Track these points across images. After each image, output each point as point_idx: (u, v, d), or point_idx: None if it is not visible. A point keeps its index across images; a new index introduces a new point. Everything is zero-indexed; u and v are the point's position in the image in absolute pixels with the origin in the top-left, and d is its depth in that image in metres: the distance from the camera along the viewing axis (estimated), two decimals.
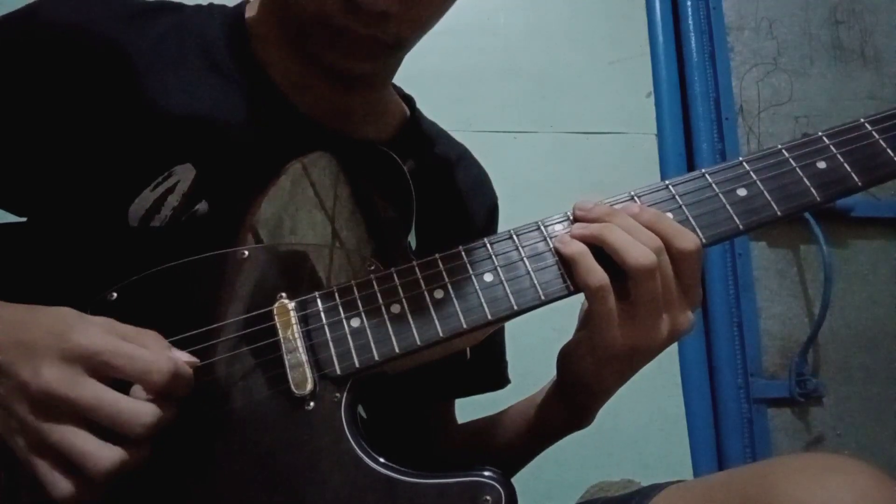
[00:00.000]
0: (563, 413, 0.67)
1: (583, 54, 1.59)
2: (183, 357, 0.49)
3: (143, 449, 0.46)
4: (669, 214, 0.55)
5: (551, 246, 0.55)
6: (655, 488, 0.58)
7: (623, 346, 0.55)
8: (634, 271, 0.51)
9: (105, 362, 0.45)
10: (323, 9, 0.58)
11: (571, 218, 0.57)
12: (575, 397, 0.65)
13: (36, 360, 0.44)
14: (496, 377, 0.83)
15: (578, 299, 0.64)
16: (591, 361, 0.59)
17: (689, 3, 1.64)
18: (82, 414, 0.44)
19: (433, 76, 1.13)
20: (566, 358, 0.63)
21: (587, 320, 0.59)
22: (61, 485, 0.43)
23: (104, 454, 0.43)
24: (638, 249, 0.52)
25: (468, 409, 0.85)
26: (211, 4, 0.72)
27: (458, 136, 0.85)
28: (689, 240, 0.53)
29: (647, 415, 1.41)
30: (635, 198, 0.56)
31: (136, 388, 0.46)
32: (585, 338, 0.59)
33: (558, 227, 0.56)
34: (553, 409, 0.68)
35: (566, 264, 0.54)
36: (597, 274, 0.52)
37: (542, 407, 0.69)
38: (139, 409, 0.45)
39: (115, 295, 0.55)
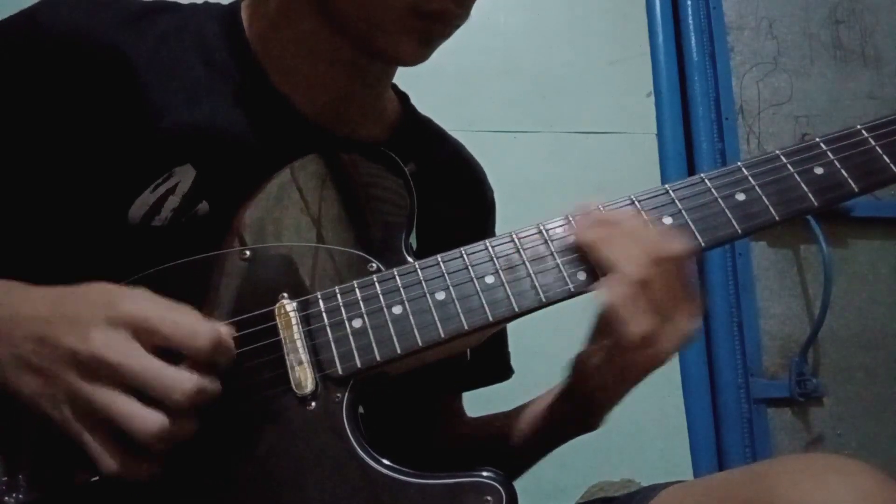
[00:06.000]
0: (575, 417, 0.67)
1: (583, 54, 1.59)
2: (223, 328, 0.49)
3: (187, 419, 0.46)
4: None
5: (552, 249, 0.55)
6: (655, 488, 0.59)
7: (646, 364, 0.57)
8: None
9: (152, 327, 0.46)
10: None
11: (571, 220, 0.57)
12: (587, 404, 0.65)
13: (83, 328, 0.46)
14: (500, 369, 0.84)
15: (580, 300, 0.64)
16: (611, 378, 0.60)
17: (689, 3, 1.64)
18: (128, 380, 0.45)
19: (433, 75, 1.13)
20: (583, 371, 0.62)
21: (607, 341, 0.59)
22: (108, 457, 0.45)
23: (149, 418, 0.45)
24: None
25: (470, 400, 0.85)
26: (207, 3, 0.72)
27: (458, 136, 0.85)
28: (673, 246, 0.53)
29: (647, 415, 1.41)
30: (636, 202, 0.57)
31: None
32: (609, 360, 0.59)
33: (559, 230, 0.56)
34: (565, 413, 0.67)
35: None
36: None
37: (553, 411, 0.69)
38: (182, 377, 0.46)
39: None
